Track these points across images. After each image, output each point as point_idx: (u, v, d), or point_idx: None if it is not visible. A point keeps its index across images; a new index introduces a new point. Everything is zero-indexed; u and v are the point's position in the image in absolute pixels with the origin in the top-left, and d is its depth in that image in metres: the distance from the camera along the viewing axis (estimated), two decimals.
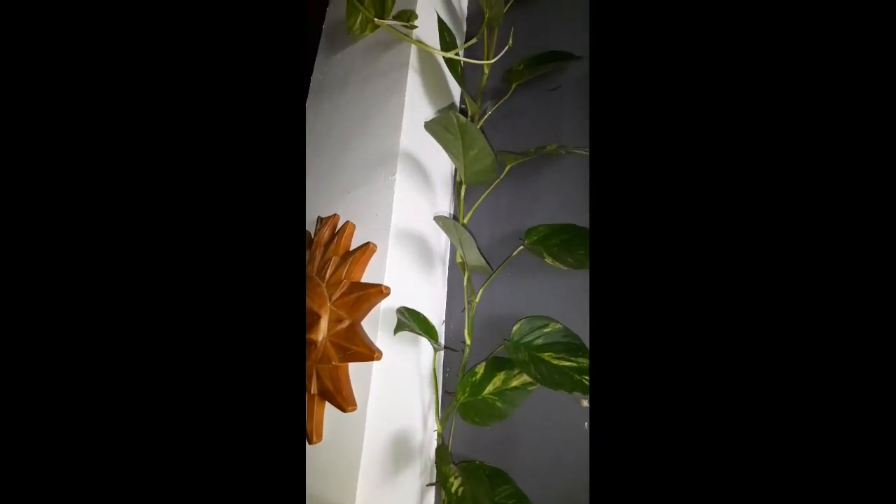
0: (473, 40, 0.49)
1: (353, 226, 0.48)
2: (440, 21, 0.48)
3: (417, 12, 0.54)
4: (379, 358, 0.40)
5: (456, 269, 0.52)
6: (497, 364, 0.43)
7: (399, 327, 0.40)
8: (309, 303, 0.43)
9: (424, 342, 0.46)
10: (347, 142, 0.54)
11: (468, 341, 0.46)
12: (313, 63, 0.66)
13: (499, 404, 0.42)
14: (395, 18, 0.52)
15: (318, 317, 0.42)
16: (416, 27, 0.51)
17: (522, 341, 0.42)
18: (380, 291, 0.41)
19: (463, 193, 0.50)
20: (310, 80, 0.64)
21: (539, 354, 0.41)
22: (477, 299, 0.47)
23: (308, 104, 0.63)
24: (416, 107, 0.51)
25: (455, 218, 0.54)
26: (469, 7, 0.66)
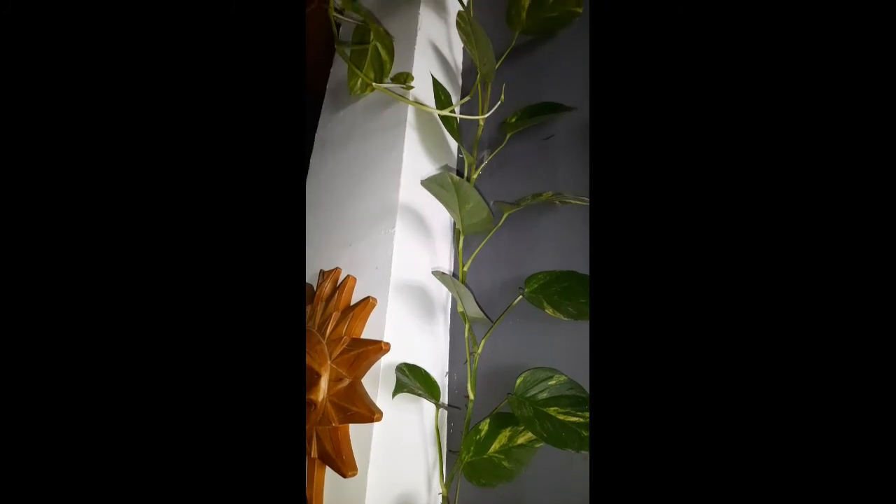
0: (468, 98, 0.51)
1: (354, 280, 0.49)
2: (435, 81, 0.51)
3: (414, 70, 0.57)
4: (379, 419, 0.39)
5: (458, 318, 0.52)
6: (502, 420, 0.42)
7: (398, 388, 0.39)
8: (309, 361, 0.43)
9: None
10: (349, 196, 0.56)
11: (471, 396, 0.45)
12: (316, 120, 0.69)
13: (505, 464, 0.40)
14: (392, 80, 0.54)
15: (319, 376, 0.42)
16: (412, 87, 0.53)
17: (526, 395, 0.41)
18: (379, 348, 0.41)
19: (462, 243, 0.50)
20: (313, 136, 0.67)
21: (544, 409, 0.40)
22: (479, 350, 0.47)
23: (312, 159, 0.66)
24: (415, 162, 0.53)
25: (455, 265, 0.54)
26: (464, 61, 0.69)
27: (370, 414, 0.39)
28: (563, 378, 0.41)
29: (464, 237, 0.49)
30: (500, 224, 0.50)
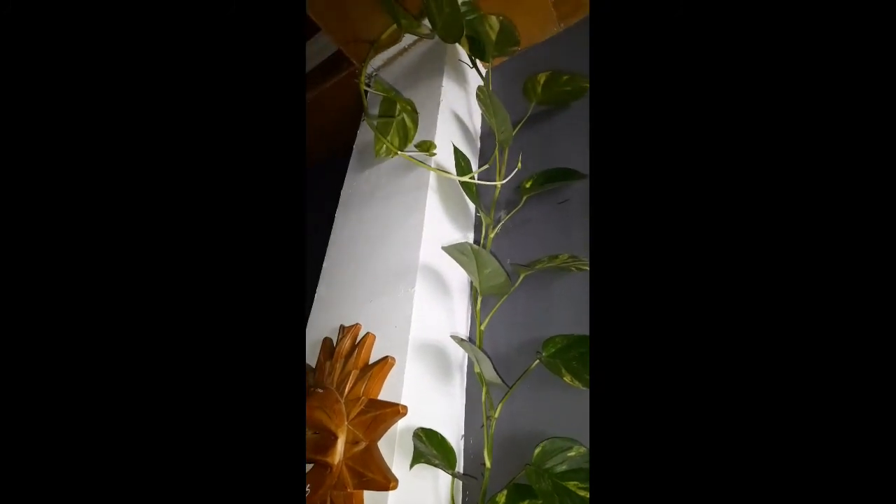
0: (486, 165, 0.55)
1: (374, 337, 0.50)
2: (456, 150, 0.54)
3: (436, 137, 0.61)
4: (395, 487, 0.38)
5: (474, 380, 0.52)
6: (519, 492, 0.41)
7: (416, 459, 0.39)
8: (326, 421, 0.43)
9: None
10: (371, 253, 0.58)
11: (488, 464, 0.44)
12: (342, 177, 0.74)
13: None
14: (416, 147, 0.58)
15: (335, 437, 0.42)
16: (435, 154, 0.57)
17: (545, 467, 0.40)
18: (397, 411, 0.41)
19: (479, 304, 0.51)
20: (339, 192, 0.71)
21: (563, 483, 0.39)
22: (496, 415, 0.46)
23: (336, 213, 0.70)
24: (435, 223, 0.55)
25: (472, 324, 0.55)
26: (482, 126, 0.74)
27: (386, 482, 0.38)
28: (582, 450, 0.40)
29: (482, 298, 0.51)
30: (516, 285, 0.51)
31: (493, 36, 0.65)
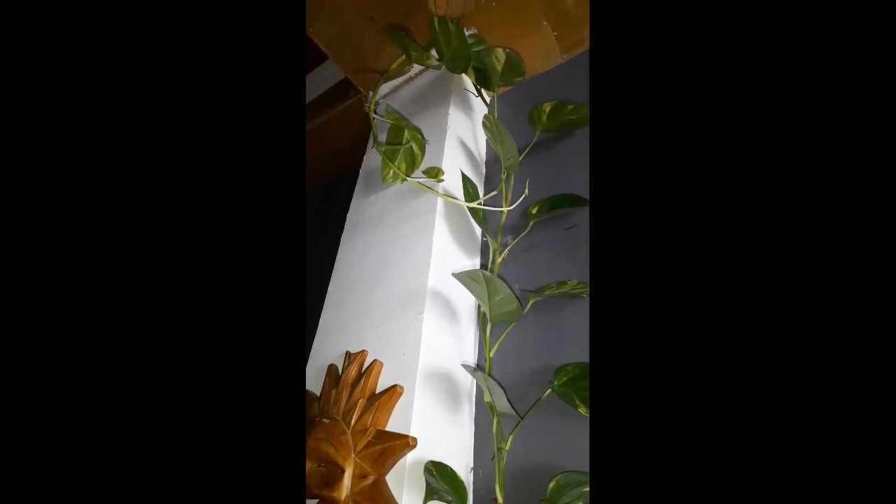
0: (494, 192, 0.55)
1: (381, 365, 0.49)
2: (464, 176, 0.55)
3: (443, 164, 0.62)
4: None
5: (483, 409, 0.50)
6: None
7: (428, 495, 0.38)
8: (333, 453, 0.42)
9: None
10: (378, 278, 0.58)
11: (500, 499, 0.42)
12: (348, 201, 0.74)
13: None
14: (423, 173, 0.59)
15: (342, 471, 0.41)
16: (443, 181, 0.58)
17: (560, 503, 0.39)
18: (406, 444, 0.40)
19: (489, 330, 0.51)
20: (344, 217, 0.71)
21: None
22: (507, 447, 0.45)
23: (343, 237, 0.70)
24: (444, 249, 0.55)
25: (481, 350, 0.54)
26: (488, 152, 0.75)
27: None
28: None
29: (491, 325, 0.50)
30: (526, 311, 0.50)
31: (499, 67, 0.67)
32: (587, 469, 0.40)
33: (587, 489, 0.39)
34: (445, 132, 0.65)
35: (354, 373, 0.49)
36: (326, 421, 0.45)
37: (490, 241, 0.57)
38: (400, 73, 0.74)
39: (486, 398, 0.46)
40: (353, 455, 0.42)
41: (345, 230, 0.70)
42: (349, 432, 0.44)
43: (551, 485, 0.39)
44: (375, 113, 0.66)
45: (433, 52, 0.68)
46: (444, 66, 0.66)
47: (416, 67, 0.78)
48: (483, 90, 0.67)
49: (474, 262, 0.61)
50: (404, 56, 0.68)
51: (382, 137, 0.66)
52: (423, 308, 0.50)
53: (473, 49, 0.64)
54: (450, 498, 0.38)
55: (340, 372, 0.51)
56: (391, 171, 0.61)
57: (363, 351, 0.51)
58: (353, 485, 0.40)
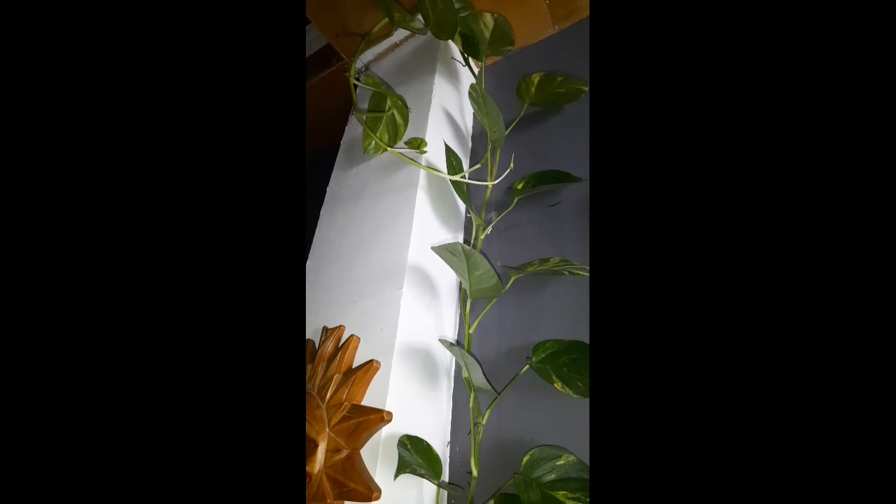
0: (478, 165, 0.53)
1: (358, 340, 0.48)
2: (447, 148, 0.53)
3: (427, 135, 0.59)
4: (378, 498, 0.37)
5: (462, 385, 0.50)
6: (507, 502, 0.40)
7: (401, 468, 0.37)
8: (307, 427, 0.41)
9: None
10: (358, 253, 0.56)
11: (475, 472, 0.42)
12: (329, 174, 0.71)
13: None
14: (406, 144, 0.57)
15: (316, 445, 0.40)
16: (426, 152, 0.55)
17: (533, 476, 0.39)
18: (381, 418, 0.40)
19: (468, 307, 0.50)
20: (325, 190, 0.69)
21: (552, 493, 0.38)
22: (484, 422, 0.45)
23: (322, 211, 0.67)
24: (425, 223, 0.54)
25: (461, 327, 0.53)
26: (474, 126, 0.72)
27: (368, 492, 0.37)
28: (572, 458, 0.39)
29: (471, 301, 0.49)
30: (506, 288, 0.49)
31: (487, 34, 0.64)
32: (561, 444, 0.40)
33: (561, 462, 0.39)
34: (430, 102, 0.62)
35: (331, 348, 0.48)
36: None
37: (473, 216, 0.56)
38: (383, 36, 0.70)
39: (465, 374, 0.46)
40: (327, 429, 0.41)
41: (324, 203, 0.67)
42: (324, 406, 0.43)
43: (525, 459, 0.40)
44: (357, 80, 0.63)
45: (418, 16, 0.65)
46: (429, 32, 0.63)
47: (401, 34, 0.74)
48: (471, 59, 0.64)
49: (457, 238, 0.60)
50: (387, 19, 0.64)
51: (364, 107, 0.63)
52: (402, 283, 0.49)
53: (461, 14, 0.61)
54: (423, 471, 0.38)
55: (317, 347, 0.50)
56: (373, 141, 0.59)
57: (340, 326, 0.50)
58: (326, 459, 0.40)
